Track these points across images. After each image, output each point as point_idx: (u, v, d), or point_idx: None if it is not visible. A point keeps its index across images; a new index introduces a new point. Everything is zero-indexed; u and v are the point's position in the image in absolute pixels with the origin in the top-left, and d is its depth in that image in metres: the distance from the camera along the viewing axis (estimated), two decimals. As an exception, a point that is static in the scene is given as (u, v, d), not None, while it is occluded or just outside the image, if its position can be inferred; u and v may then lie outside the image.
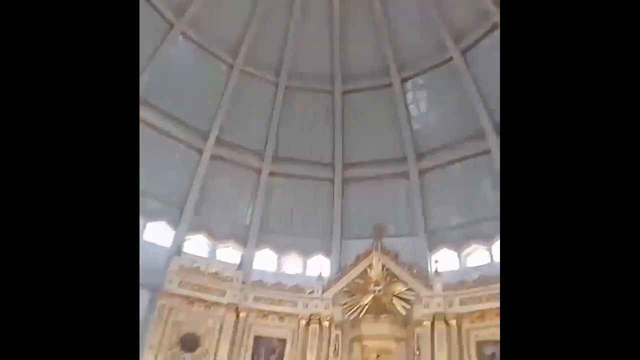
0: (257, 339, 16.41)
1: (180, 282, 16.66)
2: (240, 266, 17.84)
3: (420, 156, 20.20)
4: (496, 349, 14.82)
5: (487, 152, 18.61)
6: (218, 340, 15.99)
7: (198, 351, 15.83)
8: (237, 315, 16.52)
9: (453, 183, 19.40)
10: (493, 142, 18.42)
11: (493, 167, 18.32)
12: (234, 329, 16.24)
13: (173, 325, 15.99)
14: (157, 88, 18.55)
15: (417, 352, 15.60)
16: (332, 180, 20.61)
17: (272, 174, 20.48)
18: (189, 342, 15.97)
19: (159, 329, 15.81)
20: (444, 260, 17.71)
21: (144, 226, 17.89)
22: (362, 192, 20.36)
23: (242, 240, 18.95)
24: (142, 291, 16.53)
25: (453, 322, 15.69)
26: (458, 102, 19.39)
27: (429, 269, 17.53)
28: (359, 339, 16.35)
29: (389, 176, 20.40)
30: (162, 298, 16.31)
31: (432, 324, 15.80)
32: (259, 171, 20.39)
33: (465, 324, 15.61)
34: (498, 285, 14.62)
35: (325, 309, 16.87)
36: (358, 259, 17.91)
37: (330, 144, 21.14)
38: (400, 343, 16.07)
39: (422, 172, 19.98)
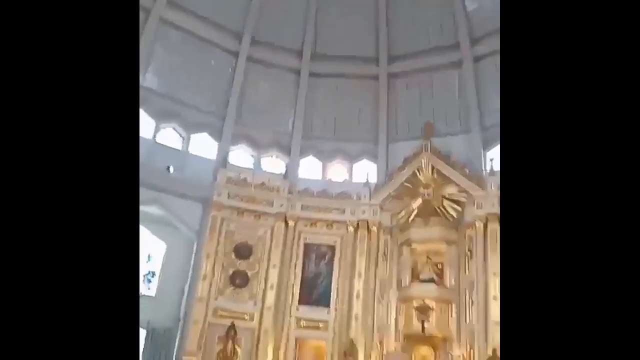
0: (307, 246, 16.70)
1: (229, 194, 16.87)
2: (285, 175, 17.67)
3: (474, 41, 18.14)
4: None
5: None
6: (270, 249, 16.42)
7: (252, 259, 16.39)
8: (286, 224, 16.71)
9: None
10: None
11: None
12: (284, 238, 16.55)
13: (226, 235, 16.55)
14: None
15: (469, 254, 15.34)
16: (376, 77, 19.19)
17: (312, 74, 19.28)
18: (243, 251, 16.53)
19: (214, 238, 16.41)
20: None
21: (188, 139, 17.84)
22: (410, 87, 18.86)
23: (286, 149, 18.53)
24: (195, 203, 17.02)
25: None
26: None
27: (483, 168, 16.54)
28: (408, 243, 16.21)
29: (440, 67, 18.64)
30: (214, 210, 16.69)
31: (485, 225, 15.28)
32: (297, 72, 19.28)
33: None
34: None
35: (373, 215, 16.63)
36: (406, 162, 17.17)
37: (373, 36, 19.38)
38: (451, 245, 15.80)
39: (476, 60, 18.06)
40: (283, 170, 18.00)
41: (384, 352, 14.97)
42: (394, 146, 18.18)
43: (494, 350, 13.42)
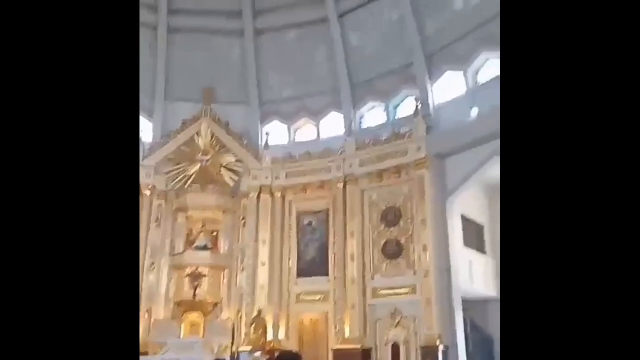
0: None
1: None
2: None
3: (257, 13, 18.47)
4: (313, 219, 16.09)
5: (324, 20, 18.12)
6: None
7: None
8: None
9: (288, 50, 18.60)
10: (331, 11, 17.83)
11: (328, 37, 17.99)
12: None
13: None
14: None
15: (243, 221, 15.98)
16: (154, 27, 17.73)
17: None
18: None
19: None
20: (274, 133, 17.59)
21: None
22: (191, 46, 18.07)
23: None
24: None
25: (278, 194, 16.27)
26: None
27: (259, 141, 17.26)
28: (184, 209, 15.86)
29: (222, 32, 18.39)
30: None
31: (258, 195, 16.12)
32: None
33: (289, 196, 16.36)
34: (321, 160, 16.03)
35: (146, 177, 15.60)
36: (185, 124, 16.60)
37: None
38: (226, 213, 16.16)
39: (257, 32, 18.47)
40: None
41: (152, 320, 14.48)
42: (172, 105, 17.25)
43: (260, 311, 14.54)
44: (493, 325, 13.64)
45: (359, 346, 13.41)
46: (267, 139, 16.99)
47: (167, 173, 15.97)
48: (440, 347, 12.24)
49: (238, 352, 13.28)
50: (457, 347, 12.38)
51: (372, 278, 14.37)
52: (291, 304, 15.10)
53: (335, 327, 14.16)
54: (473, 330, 13.25)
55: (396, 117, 16.56)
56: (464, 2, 16.02)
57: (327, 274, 15.04)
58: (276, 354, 3.25)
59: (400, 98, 16.85)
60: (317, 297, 15.02)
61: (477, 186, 14.54)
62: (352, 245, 14.69)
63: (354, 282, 14.31)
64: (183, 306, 14.71)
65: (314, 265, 15.34)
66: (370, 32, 18.00)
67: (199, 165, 15.99)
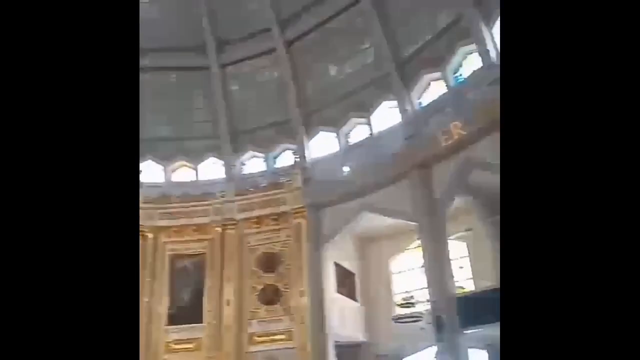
0: None
1: None
2: None
3: (141, 51, 17.95)
4: (189, 262, 15.55)
5: (206, 67, 18.42)
6: None
7: None
8: None
9: (168, 92, 18.39)
10: (213, 60, 18.27)
11: (210, 85, 18.31)
12: None
13: None
14: None
15: (108, 263, 14.64)
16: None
17: None
18: None
19: None
20: (148, 172, 16.86)
21: None
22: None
23: None
24: None
25: (150, 235, 15.45)
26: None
27: (131, 178, 16.28)
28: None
29: None
30: None
31: (128, 235, 15.05)
32: None
33: (162, 237, 15.64)
34: (200, 202, 15.64)
35: None
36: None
37: None
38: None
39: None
40: None
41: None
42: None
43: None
44: (363, 368, 14.47)
45: (235, 395, 13.03)
46: (140, 178, 16.16)
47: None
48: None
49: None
50: (331, 390, 12.82)
51: (249, 324, 14.25)
52: (159, 354, 14.07)
53: (213, 375, 13.52)
54: (345, 373, 13.86)
55: (275, 167, 17.24)
56: (337, 70, 17.82)
57: (201, 321, 14.45)
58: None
59: (280, 150, 17.67)
60: (190, 345, 14.27)
61: (349, 237, 15.68)
62: (230, 291, 14.48)
63: (229, 329, 14.02)
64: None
65: (187, 311, 14.64)
66: (252, 86, 18.82)
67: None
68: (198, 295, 14.72)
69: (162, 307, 14.66)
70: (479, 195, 13.47)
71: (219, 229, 15.41)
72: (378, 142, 15.15)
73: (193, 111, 18.59)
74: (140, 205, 15.42)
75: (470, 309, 11.41)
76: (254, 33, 18.13)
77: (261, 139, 17.77)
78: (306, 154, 16.76)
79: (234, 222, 15.53)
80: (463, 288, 13.00)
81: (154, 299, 14.66)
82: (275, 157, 17.70)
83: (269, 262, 14.94)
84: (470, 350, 11.86)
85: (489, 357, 12.65)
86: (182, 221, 15.70)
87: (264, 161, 17.60)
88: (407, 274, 15.35)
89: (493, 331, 11.89)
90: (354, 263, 15.94)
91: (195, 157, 17.67)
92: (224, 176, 17.05)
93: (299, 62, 17.79)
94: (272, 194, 15.76)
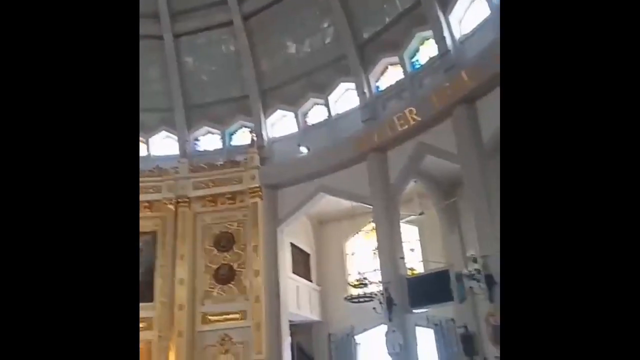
0: None
1: None
2: None
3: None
4: (140, 241, 15.16)
5: (159, 37, 17.70)
6: None
7: None
8: None
9: None
10: (166, 30, 17.59)
11: (163, 55, 17.62)
12: None
13: None
14: None
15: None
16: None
17: None
18: None
19: None
20: None
21: None
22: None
23: None
24: None
25: None
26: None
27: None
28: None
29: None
30: None
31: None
32: None
33: None
34: (151, 178, 15.14)
35: None
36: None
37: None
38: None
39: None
40: None
41: None
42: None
43: None
44: (316, 347, 14.85)
45: (187, 374, 13.08)
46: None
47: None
48: (269, 370, 12.80)
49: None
50: (284, 368, 13.14)
51: (203, 304, 14.24)
52: (108, 333, 13.74)
53: (164, 354, 13.48)
54: (299, 352, 14.19)
55: (232, 144, 16.98)
56: (296, 48, 17.57)
57: (152, 300, 14.22)
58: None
59: (236, 127, 17.37)
60: (141, 324, 14.04)
61: (305, 218, 15.81)
62: (183, 270, 14.36)
63: (182, 308, 13.95)
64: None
65: (139, 291, 14.34)
66: (208, 58, 18.25)
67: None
68: (149, 273, 14.39)
69: (111, 286, 14.31)
70: (432, 180, 13.91)
71: (171, 207, 15.09)
72: (336, 124, 15.18)
73: (146, 83, 17.72)
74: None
75: (419, 290, 11.86)
76: (210, 4, 17.51)
77: (217, 114, 17.39)
78: (263, 133, 16.60)
79: (188, 199, 15.26)
80: (413, 270, 13.48)
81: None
82: (231, 134, 17.41)
83: (224, 241, 14.87)
84: (418, 329, 12.38)
85: (435, 335, 13.32)
86: (133, 198, 15.20)
87: (220, 138, 17.27)
88: (361, 256, 15.73)
89: (439, 311, 12.56)
90: (310, 244, 16.14)
91: (147, 130, 17.03)
92: (178, 152, 16.60)
93: (257, 37, 17.35)
94: (228, 172, 15.57)
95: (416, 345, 11.66)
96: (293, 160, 15.36)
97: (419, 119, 12.71)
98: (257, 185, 15.18)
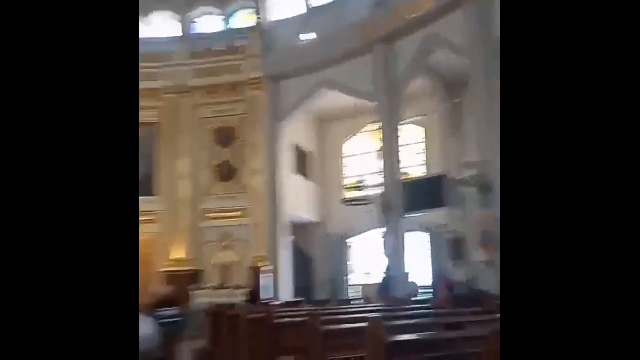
0: None
1: None
2: None
3: None
4: (140, 132, 15.08)
5: None
6: None
7: None
8: None
9: None
10: None
11: None
12: None
13: None
14: None
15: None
16: None
17: None
18: None
19: None
20: None
21: None
22: None
23: None
24: None
25: None
26: None
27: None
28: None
29: None
30: None
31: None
32: None
33: None
34: (148, 64, 14.34)
35: None
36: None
37: None
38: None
39: None
40: None
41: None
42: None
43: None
44: (313, 248, 15.09)
45: (187, 268, 13.73)
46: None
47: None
48: (267, 268, 13.18)
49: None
50: (282, 268, 13.49)
51: (203, 201, 14.42)
52: (114, 225, 14.39)
53: (164, 249, 14.07)
54: (297, 252, 14.46)
55: (232, 28, 15.78)
56: None
57: (154, 194, 14.32)
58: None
59: (237, 7, 15.97)
60: (145, 218, 14.57)
61: (307, 115, 15.06)
62: (184, 165, 14.34)
63: (184, 203, 14.21)
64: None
65: (140, 184, 14.62)
66: None
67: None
68: (150, 167, 14.24)
69: (114, 179, 14.60)
70: (439, 79, 12.69)
71: (171, 96, 14.55)
72: (343, 9, 13.63)
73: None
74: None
75: (415, 195, 11.62)
76: None
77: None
78: (266, 15, 15.24)
79: (188, 89, 14.65)
80: (408, 174, 12.96)
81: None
82: (230, 16, 16.04)
83: (225, 137, 14.53)
84: (413, 233, 12.42)
85: (431, 239, 13.13)
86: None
87: (222, 20, 15.98)
88: (361, 158, 15.10)
89: (433, 216, 12.23)
90: (311, 143, 15.56)
91: (143, 9, 15.74)
92: (177, 34, 15.57)
93: None
94: (229, 59, 14.66)
95: (407, 248, 11.65)
96: (296, 49, 14.23)
97: (431, 7, 11.42)
98: (258, 75, 14.30)
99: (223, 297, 12.14)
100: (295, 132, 14.77)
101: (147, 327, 3.15)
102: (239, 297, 11.59)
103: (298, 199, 14.54)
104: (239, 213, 14.15)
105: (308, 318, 5.20)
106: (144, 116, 14.49)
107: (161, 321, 5.85)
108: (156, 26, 15.97)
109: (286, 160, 14.29)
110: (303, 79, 13.84)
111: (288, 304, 10.10)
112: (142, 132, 14.51)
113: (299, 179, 14.87)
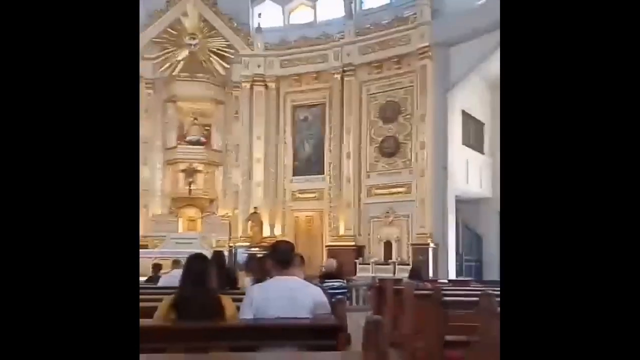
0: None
1: None
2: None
3: None
4: (309, 113, 15.53)
5: None
6: None
7: None
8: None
9: None
10: None
11: None
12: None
13: None
14: None
15: (236, 115, 15.41)
16: None
17: None
18: None
19: None
20: (267, 15, 16.17)
21: None
22: None
23: None
24: None
25: (272, 85, 15.47)
26: None
27: (250, 23, 15.93)
28: (173, 99, 15.13)
29: None
30: None
31: (251, 86, 15.34)
32: None
33: (284, 88, 15.59)
34: (319, 46, 14.86)
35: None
36: (170, 3, 15.25)
37: None
38: (218, 106, 15.49)
39: None
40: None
41: (150, 215, 14.65)
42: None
43: (256, 208, 14.71)
44: (484, 225, 13.89)
45: (352, 243, 13.78)
46: (259, 22, 15.68)
47: (154, 59, 14.93)
48: (431, 245, 12.54)
49: (235, 248, 13.63)
50: (447, 245, 12.70)
51: (368, 177, 14.28)
52: (287, 202, 15.19)
53: (330, 224, 14.41)
54: (464, 229, 13.49)
55: (399, -1, 15.14)
56: None
57: (322, 173, 14.88)
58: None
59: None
60: (313, 195, 15.06)
61: (481, 81, 13.79)
62: (349, 143, 14.35)
63: (349, 180, 14.25)
64: (179, 202, 14.77)
65: (309, 163, 15.17)
66: None
67: (187, 50, 14.91)
68: (319, 146, 14.83)
69: (288, 158, 15.29)
70: None
71: (337, 76, 14.61)
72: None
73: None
74: (261, 52, 15.29)
75: None
76: None
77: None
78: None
79: (353, 67, 14.52)
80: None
81: (279, 150, 15.30)
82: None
83: (390, 111, 14.09)
84: None
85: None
86: (301, 68, 15.16)
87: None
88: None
89: None
90: (484, 111, 14.21)
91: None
92: (343, 14, 15.55)
93: None
94: (396, 31, 14.06)
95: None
96: (469, 11, 13.05)
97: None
98: (426, 44, 13.48)
99: (387, 273, 11.91)
100: (467, 101, 13.62)
101: (321, 294, 3.00)
102: (402, 273, 11.19)
103: (467, 173, 13.46)
104: (403, 189, 13.68)
105: (480, 297, 4.61)
106: (313, 98, 15.15)
107: (328, 291, 5.82)
108: (324, 8, 16.23)
109: (455, 131, 13.29)
110: (477, 41, 12.59)
111: (455, 282, 9.39)
112: (312, 112, 15.27)
113: (469, 151, 13.69)
